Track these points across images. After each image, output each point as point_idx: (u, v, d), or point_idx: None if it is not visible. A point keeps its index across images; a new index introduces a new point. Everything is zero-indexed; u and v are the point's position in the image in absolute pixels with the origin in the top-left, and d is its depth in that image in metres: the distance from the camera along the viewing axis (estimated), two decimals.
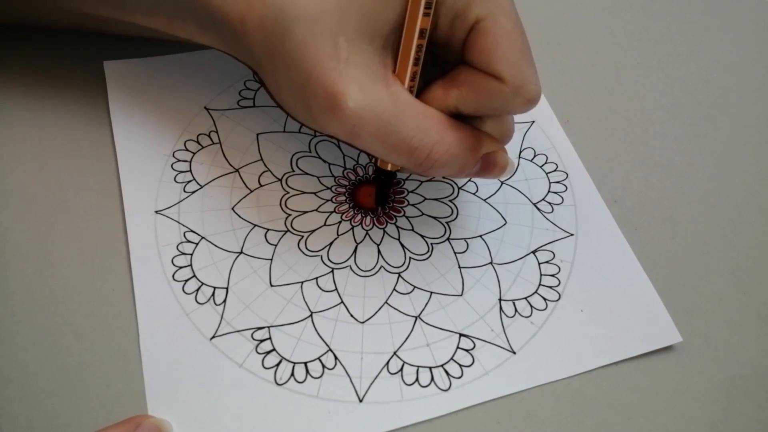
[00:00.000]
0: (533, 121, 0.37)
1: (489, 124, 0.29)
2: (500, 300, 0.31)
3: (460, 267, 0.32)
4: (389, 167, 0.30)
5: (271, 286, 0.30)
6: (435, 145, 0.27)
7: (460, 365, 0.29)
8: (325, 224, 0.32)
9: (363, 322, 0.30)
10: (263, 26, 0.27)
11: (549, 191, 0.35)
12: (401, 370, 0.29)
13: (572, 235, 0.33)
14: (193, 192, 0.33)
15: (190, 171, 0.33)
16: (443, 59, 0.29)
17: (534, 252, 0.33)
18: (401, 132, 0.26)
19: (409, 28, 0.27)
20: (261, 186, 0.33)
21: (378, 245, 0.32)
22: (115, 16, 0.31)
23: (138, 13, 0.31)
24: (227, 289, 0.30)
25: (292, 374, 0.28)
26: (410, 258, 0.32)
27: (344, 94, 0.26)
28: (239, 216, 0.32)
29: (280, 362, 0.28)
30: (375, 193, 0.33)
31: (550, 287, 0.32)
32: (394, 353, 0.29)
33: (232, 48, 0.30)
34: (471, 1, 0.26)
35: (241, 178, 0.33)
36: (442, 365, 0.29)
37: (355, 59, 0.26)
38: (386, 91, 0.27)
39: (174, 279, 0.30)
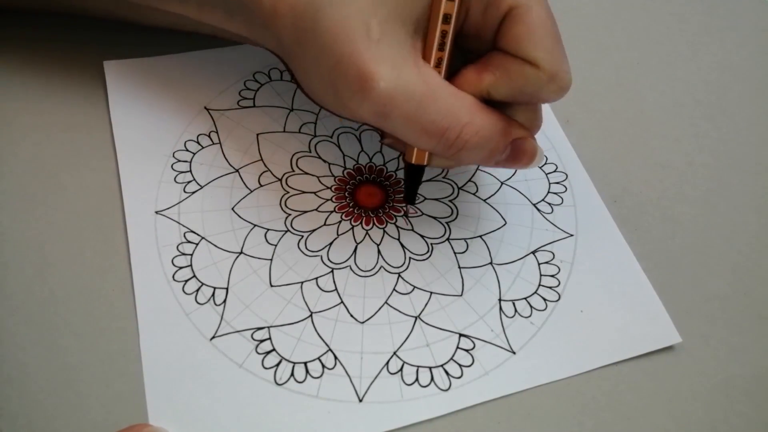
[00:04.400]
0: None
1: (519, 112, 0.29)
2: (500, 300, 0.31)
3: (459, 267, 0.32)
4: (414, 158, 0.29)
5: (271, 286, 0.30)
6: (465, 127, 0.27)
7: (460, 365, 0.29)
8: (325, 224, 0.32)
9: (363, 322, 0.30)
10: (294, 12, 0.27)
11: (549, 192, 0.35)
12: (401, 370, 0.29)
13: (572, 235, 0.33)
14: (193, 192, 0.33)
15: (190, 171, 0.33)
16: (472, 51, 0.29)
17: (534, 252, 0.33)
18: (431, 113, 0.26)
19: (434, 13, 0.27)
20: (261, 186, 0.33)
21: (378, 245, 0.32)
22: (147, 2, 0.32)
23: (170, 0, 0.31)
24: (227, 289, 0.30)
25: (292, 374, 0.28)
26: (410, 258, 0.32)
27: (375, 74, 0.26)
28: (239, 216, 0.32)
29: (279, 362, 0.28)
30: (405, 189, 0.32)
31: (550, 288, 0.32)
32: (394, 353, 0.29)
33: (260, 35, 0.30)
34: None
35: (241, 178, 0.33)
36: (442, 365, 0.29)
37: (387, 40, 0.26)
38: (417, 72, 0.27)
39: (174, 279, 0.30)
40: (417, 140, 0.28)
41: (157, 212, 0.32)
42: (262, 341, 0.29)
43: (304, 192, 0.33)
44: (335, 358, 0.29)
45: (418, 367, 0.29)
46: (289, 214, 0.33)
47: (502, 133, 0.28)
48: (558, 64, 0.27)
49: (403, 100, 0.26)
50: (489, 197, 0.34)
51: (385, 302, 0.30)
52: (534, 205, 0.34)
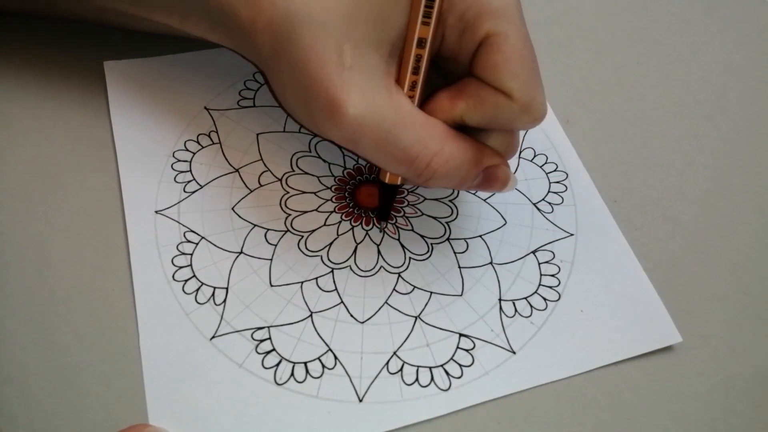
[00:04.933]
0: None
1: (493, 137, 0.28)
2: (500, 300, 0.31)
3: (460, 267, 0.32)
4: (387, 179, 0.30)
5: (271, 286, 0.30)
6: (435, 156, 0.27)
7: (460, 365, 0.29)
8: (325, 224, 0.32)
9: (363, 322, 0.30)
10: (271, 28, 0.27)
11: (549, 191, 0.35)
12: (401, 370, 0.29)
13: (572, 235, 0.33)
14: (193, 192, 0.33)
15: (190, 171, 0.33)
16: (450, 72, 0.29)
17: (534, 252, 0.33)
18: (401, 141, 0.26)
19: (409, 37, 0.27)
20: (261, 186, 0.33)
21: (378, 245, 0.32)
22: (132, 11, 0.32)
23: (155, 10, 0.31)
24: (227, 289, 0.30)
25: (292, 374, 0.28)
26: (410, 258, 0.32)
27: (345, 101, 0.26)
28: (239, 216, 0.32)
29: (279, 362, 0.28)
30: (378, 206, 0.33)
31: (550, 287, 0.32)
32: (394, 353, 0.29)
33: (242, 47, 0.30)
34: (481, 16, 0.26)
35: (241, 178, 0.33)
36: (442, 365, 0.29)
37: (360, 66, 0.26)
38: (388, 99, 0.26)
39: (174, 279, 0.30)
40: (387, 166, 0.28)
41: (157, 212, 0.32)
42: (262, 341, 0.29)
43: (304, 192, 0.33)
44: (335, 358, 0.29)
45: (418, 367, 0.29)
46: (289, 214, 0.33)
47: (473, 162, 0.28)
48: (532, 95, 0.26)
49: (372, 127, 0.26)
50: (489, 197, 0.34)
51: (385, 302, 0.30)
52: (534, 204, 0.34)
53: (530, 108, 0.26)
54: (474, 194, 0.34)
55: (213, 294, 0.30)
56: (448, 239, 0.33)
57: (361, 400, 0.28)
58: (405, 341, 0.29)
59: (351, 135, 0.26)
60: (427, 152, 0.27)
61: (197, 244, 0.31)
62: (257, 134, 0.35)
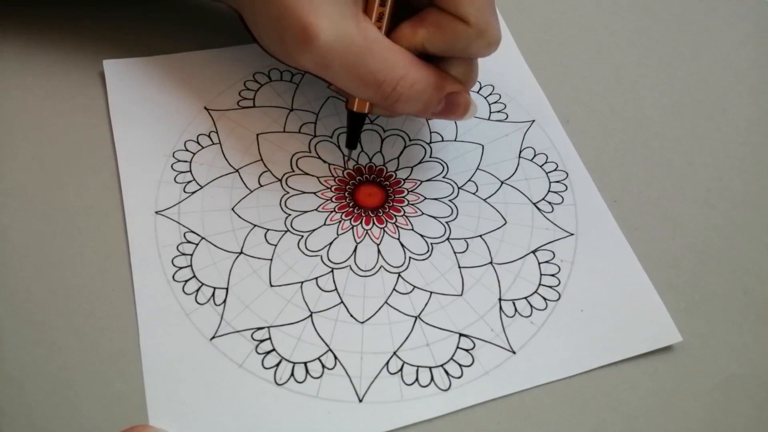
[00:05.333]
0: (533, 121, 0.37)
1: (454, 66, 0.31)
2: (500, 300, 0.31)
3: (459, 267, 0.32)
4: (355, 106, 0.31)
5: (271, 286, 0.30)
6: (401, 80, 0.29)
7: (460, 365, 0.29)
8: (324, 224, 0.32)
9: (363, 322, 0.30)
10: None
11: (549, 191, 0.35)
12: (401, 370, 0.29)
13: (572, 234, 0.33)
14: (193, 192, 0.33)
15: (190, 171, 0.33)
16: (414, 7, 0.30)
17: (534, 252, 0.33)
18: (369, 66, 0.28)
19: None
20: (261, 186, 0.33)
21: (378, 245, 0.32)
22: None
23: None
24: (227, 289, 0.30)
25: (292, 374, 0.28)
26: (410, 258, 0.32)
27: (316, 27, 0.27)
28: (239, 216, 0.32)
29: (279, 362, 0.28)
30: (347, 135, 0.33)
31: (550, 287, 0.31)
32: (394, 353, 0.29)
33: None
34: None
35: (241, 178, 0.33)
36: (441, 365, 0.29)
37: None
38: (356, 26, 0.28)
39: (174, 279, 0.30)
40: (355, 90, 0.30)
41: (157, 212, 0.32)
42: (262, 341, 0.29)
43: (304, 192, 0.33)
44: (335, 358, 0.29)
45: (418, 367, 0.29)
46: (289, 214, 0.33)
47: (436, 86, 0.30)
48: (486, 20, 0.28)
49: (342, 52, 0.28)
50: (489, 197, 0.34)
51: (385, 302, 0.30)
52: (534, 204, 0.34)
53: (485, 32, 0.28)
54: (474, 194, 0.34)
55: (213, 294, 0.30)
56: (448, 239, 0.33)
57: (361, 400, 0.28)
58: (405, 341, 0.29)
59: (322, 60, 0.28)
60: (393, 76, 0.29)
61: (197, 244, 0.31)
62: (257, 134, 0.35)
